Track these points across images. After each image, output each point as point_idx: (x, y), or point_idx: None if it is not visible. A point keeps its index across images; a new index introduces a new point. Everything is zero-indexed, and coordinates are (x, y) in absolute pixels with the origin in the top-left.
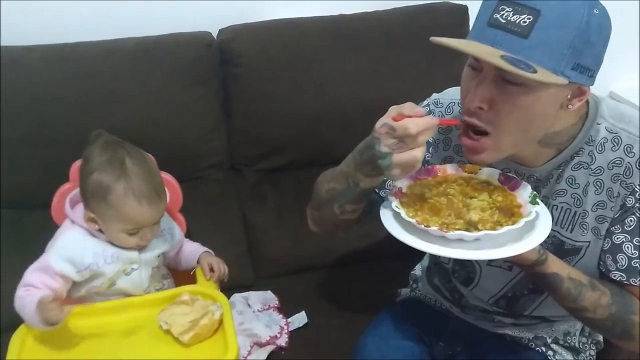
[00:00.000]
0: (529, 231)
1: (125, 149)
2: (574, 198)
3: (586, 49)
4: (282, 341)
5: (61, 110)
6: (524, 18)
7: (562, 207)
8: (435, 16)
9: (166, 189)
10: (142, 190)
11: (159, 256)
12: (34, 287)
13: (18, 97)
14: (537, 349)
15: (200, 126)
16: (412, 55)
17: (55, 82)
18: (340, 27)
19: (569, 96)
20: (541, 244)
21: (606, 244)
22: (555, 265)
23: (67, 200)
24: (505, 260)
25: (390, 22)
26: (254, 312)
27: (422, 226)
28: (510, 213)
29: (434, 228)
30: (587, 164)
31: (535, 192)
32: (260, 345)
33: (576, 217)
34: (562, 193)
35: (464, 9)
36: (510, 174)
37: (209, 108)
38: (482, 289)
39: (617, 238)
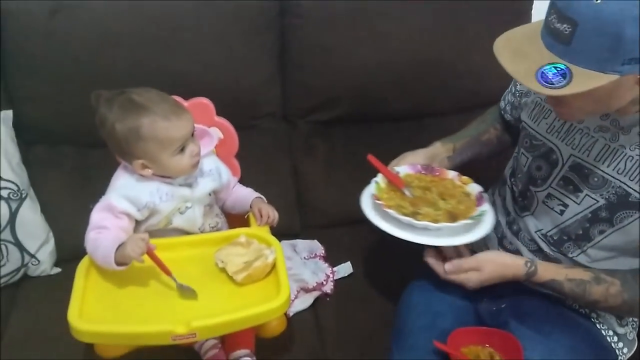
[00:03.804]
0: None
1: (126, 92)
2: None
3: (634, 45)
4: (328, 288)
5: (124, 52)
6: (565, 27)
7: (637, 158)
8: None
9: (222, 134)
10: (164, 109)
11: (209, 194)
12: (105, 228)
13: (83, 40)
14: (581, 310)
15: (257, 75)
16: (474, 15)
17: (119, 24)
18: None
19: (639, 75)
20: (576, 217)
21: None
22: (549, 273)
23: None
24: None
25: None
26: (301, 259)
27: (392, 212)
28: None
29: (404, 217)
30: None
31: (484, 209)
32: (307, 290)
33: None
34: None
35: None
36: (484, 194)
37: (266, 57)
38: (533, 220)
39: None
